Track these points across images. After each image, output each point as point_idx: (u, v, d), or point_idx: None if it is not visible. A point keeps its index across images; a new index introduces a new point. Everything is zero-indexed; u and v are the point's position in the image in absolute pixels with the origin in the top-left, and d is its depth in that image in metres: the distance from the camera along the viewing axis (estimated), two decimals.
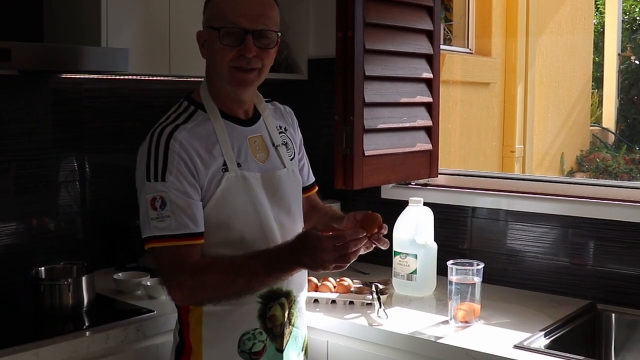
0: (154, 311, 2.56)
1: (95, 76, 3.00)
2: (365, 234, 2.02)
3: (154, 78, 3.13)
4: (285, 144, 2.32)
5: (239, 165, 2.15)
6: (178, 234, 2.04)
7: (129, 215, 3.11)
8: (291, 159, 2.32)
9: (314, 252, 1.96)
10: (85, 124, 3.07)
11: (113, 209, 3.14)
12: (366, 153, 2.86)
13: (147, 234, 2.06)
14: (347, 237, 1.97)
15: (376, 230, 2.08)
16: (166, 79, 3.15)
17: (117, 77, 3.04)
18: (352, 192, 2.83)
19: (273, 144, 2.27)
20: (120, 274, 2.88)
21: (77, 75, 2.96)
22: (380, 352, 2.49)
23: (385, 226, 2.11)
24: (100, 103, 3.11)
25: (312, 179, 2.51)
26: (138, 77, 3.08)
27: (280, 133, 2.31)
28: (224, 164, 2.12)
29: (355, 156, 2.83)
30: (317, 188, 2.52)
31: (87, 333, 2.39)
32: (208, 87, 2.21)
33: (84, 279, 2.58)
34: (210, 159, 2.10)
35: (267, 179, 2.20)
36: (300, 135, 2.43)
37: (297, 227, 2.27)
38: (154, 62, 2.85)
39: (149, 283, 2.76)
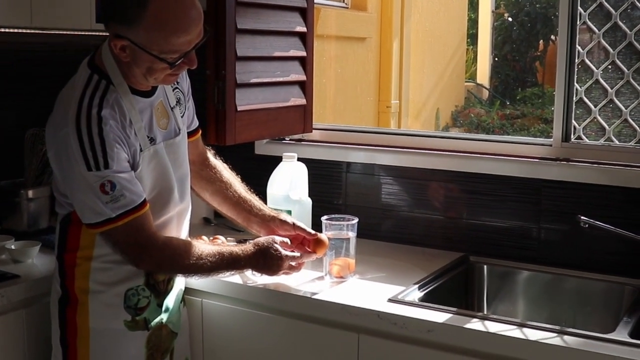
0: (19, 276, 2.48)
1: None
2: (317, 257, 2.50)
3: (15, 30, 3.00)
4: (178, 100, 2.38)
5: (151, 140, 2.22)
6: (135, 206, 2.14)
7: None
8: (182, 116, 2.39)
9: (271, 265, 2.37)
10: None
11: None
12: (239, 108, 2.84)
13: (105, 217, 2.12)
14: (303, 259, 2.47)
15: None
16: (28, 31, 3.03)
17: None
18: (226, 147, 2.81)
19: (170, 106, 2.34)
20: None
21: None
22: (256, 310, 2.50)
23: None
24: None
25: (196, 123, 2.57)
26: None
27: (174, 89, 2.38)
28: (139, 144, 2.19)
29: (227, 111, 2.80)
30: (200, 132, 2.59)
31: None
32: (116, 63, 2.17)
33: None
34: (130, 139, 2.16)
35: (169, 146, 2.31)
36: (189, 80, 2.48)
37: (187, 178, 2.42)
38: (14, 13, 2.73)
39: (13, 247, 2.68)
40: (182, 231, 2.43)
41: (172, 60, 2.11)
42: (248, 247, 2.37)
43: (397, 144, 3.11)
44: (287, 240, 2.46)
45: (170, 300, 2.39)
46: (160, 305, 2.35)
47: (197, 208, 2.79)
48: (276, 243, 2.39)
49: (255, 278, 2.53)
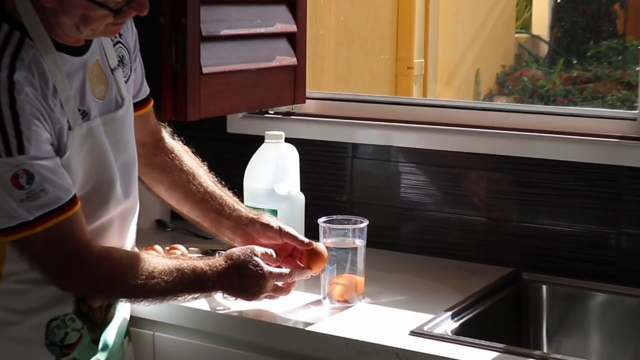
0: None
1: None
2: (312, 274, 2.51)
3: None
4: (121, 59, 2.40)
5: (83, 114, 2.22)
6: (60, 205, 2.12)
7: None
8: (126, 81, 2.41)
9: (250, 285, 2.36)
10: None
11: None
12: (205, 70, 2.85)
13: (18, 220, 2.10)
14: (294, 278, 2.45)
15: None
16: None
17: None
18: (188, 124, 2.80)
19: (110, 67, 2.35)
20: None
21: None
22: (228, 347, 2.51)
23: None
24: None
25: (147, 90, 2.60)
26: None
27: (115, 44, 2.39)
28: (68, 120, 2.18)
29: (189, 74, 2.81)
30: (152, 102, 2.62)
31: None
32: (35, 9, 2.16)
33: None
34: (54, 113, 2.15)
35: (109, 123, 2.32)
36: (135, 31, 2.50)
37: (134, 166, 2.44)
38: None
39: None
40: (126, 239, 2.43)
41: (115, 5, 2.10)
42: (218, 261, 2.36)
43: (422, 118, 3.11)
44: (271, 251, 2.45)
45: (109, 335, 2.38)
46: (96, 342, 2.34)
47: (148, 207, 2.81)
48: (256, 255, 2.37)
49: (227, 303, 2.53)
